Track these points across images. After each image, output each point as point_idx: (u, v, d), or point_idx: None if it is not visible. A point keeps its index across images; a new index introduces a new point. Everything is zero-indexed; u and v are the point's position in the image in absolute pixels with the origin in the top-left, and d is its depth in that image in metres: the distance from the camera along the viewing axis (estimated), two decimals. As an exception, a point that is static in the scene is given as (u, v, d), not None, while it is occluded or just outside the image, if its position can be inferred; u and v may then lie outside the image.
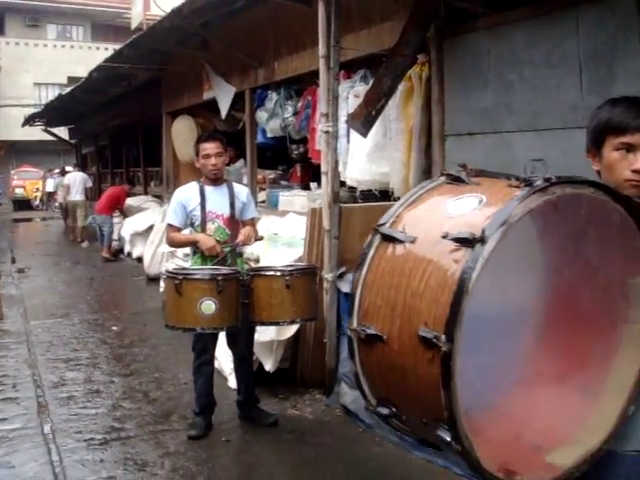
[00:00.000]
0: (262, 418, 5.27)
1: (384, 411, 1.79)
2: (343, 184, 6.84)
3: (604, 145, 2.07)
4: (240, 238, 4.99)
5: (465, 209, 1.69)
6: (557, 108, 4.92)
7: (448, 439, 1.62)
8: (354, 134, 6.20)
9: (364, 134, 5.68)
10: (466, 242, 1.56)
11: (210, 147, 5.09)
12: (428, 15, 5.64)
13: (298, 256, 6.01)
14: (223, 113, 10.10)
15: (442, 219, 1.70)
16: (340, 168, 6.36)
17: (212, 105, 10.51)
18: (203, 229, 5.06)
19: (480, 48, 5.55)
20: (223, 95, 9.98)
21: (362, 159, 6.46)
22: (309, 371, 5.98)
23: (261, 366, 5.87)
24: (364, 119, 5.57)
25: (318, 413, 5.50)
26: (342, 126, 6.28)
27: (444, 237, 1.61)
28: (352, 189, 7.10)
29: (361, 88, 6.68)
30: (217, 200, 5.11)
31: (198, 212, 5.07)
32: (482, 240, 1.53)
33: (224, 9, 8.52)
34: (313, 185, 8.28)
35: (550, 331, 1.95)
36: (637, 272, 1.93)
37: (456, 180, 1.85)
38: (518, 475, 1.75)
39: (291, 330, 5.74)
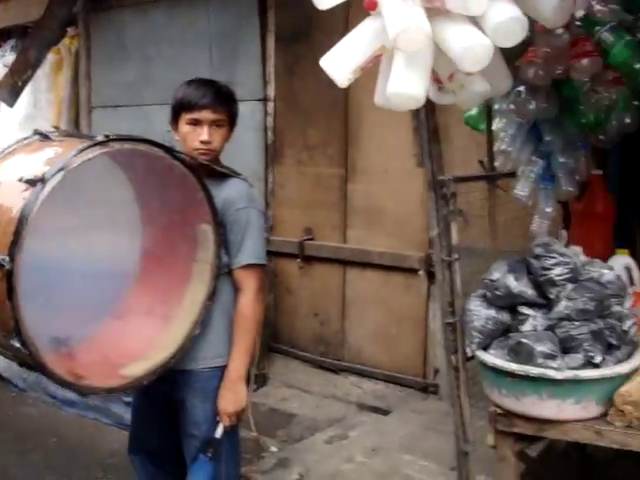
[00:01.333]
0: None
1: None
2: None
3: (179, 120, 2.49)
4: None
5: (42, 158, 2.07)
6: (191, 83, 5.39)
7: (18, 345, 1.96)
8: (3, 104, 6.21)
9: (11, 104, 5.74)
10: (32, 183, 1.93)
11: None
12: (74, -11, 5.83)
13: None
14: None
15: (24, 166, 2.07)
16: (-7, 137, 6.34)
17: None
18: None
19: (124, 24, 5.88)
20: None
21: (14, 128, 6.48)
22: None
23: None
24: (11, 89, 5.63)
25: (-29, 383, 5.50)
26: (-9, 96, 6.25)
27: (19, 180, 1.97)
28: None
29: (12, 58, 6.60)
30: None
31: None
32: (42, 181, 1.91)
33: None
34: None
35: (139, 269, 2.37)
36: (202, 220, 2.35)
37: (45, 137, 2.23)
38: (86, 380, 2.13)
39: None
